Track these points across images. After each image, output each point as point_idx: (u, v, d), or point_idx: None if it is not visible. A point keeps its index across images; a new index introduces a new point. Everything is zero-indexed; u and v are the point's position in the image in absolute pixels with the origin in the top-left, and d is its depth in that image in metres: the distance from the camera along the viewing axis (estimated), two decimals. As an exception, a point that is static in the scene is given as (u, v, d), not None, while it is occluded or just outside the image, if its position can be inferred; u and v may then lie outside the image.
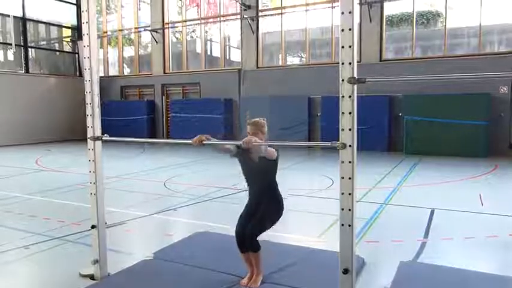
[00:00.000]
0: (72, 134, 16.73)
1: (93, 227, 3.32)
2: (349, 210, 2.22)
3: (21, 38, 16.62)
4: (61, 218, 5.08)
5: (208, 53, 17.16)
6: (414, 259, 3.69)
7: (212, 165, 9.45)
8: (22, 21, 16.62)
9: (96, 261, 3.30)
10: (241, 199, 6.10)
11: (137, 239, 4.63)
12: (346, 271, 2.23)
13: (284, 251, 3.82)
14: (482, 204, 5.79)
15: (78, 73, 18.61)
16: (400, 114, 12.21)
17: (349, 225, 2.23)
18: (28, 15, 16.86)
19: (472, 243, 4.17)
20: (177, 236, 4.41)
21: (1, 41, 16.44)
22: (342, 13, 2.16)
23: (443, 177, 7.95)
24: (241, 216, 3.23)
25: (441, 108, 11.34)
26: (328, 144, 2.23)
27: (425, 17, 13.20)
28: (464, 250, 4.02)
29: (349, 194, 2.22)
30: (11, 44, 15.91)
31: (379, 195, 6.35)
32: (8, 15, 15.84)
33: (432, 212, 5.28)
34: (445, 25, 12.42)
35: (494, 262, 3.83)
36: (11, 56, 16.51)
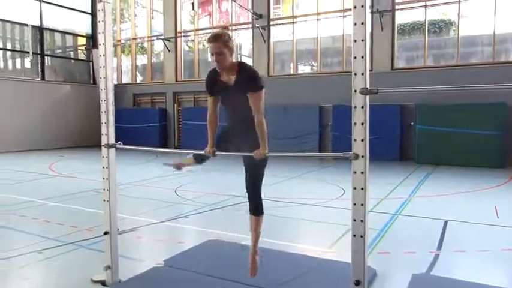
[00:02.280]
0: (85, 140, 16.95)
1: (105, 233, 3.35)
2: (361, 221, 2.21)
3: (38, 46, 16.98)
4: (74, 224, 5.14)
5: (219, 61, 17.27)
6: (427, 271, 3.64)
7: (223, 172, 9.47)
8: (39, 30, 16.98)
9: (108, 268, 3.33)
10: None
11: (148, 246, 4.65)
12: (357, 282, 2.21)
13: (294, 261, 3.80)
14: (497, 217, 5.69)
15: (92, 81, 18.90)
16: (412, 123, 12.12)
17: (361, 236, 2.22)
18: (45, 24, 17.23)
19: (487, 256, 4.10)
20: (188, 244, 4.42)
21: (19, 49, 16.81)
22: (355, 24, 2.17)
23: (457, 188, 7.85)
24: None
25: (454, 117, 11.22)
26: (341, 154, 2.24)
27: (437, 26, 13.13)
28: (479, 263, 3.95)
29: (361, 204, 2.21)
30: (28, 52, 16.26)
31: (391, 205, 6.29)
32: (27, 25, 16.22)
33: (445, 224, 5.21)
34: (458, 33, 12.34)
35: (509, 276, 3.76)
36: (28, 64, 16.85)
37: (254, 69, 2.93)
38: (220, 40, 2.75)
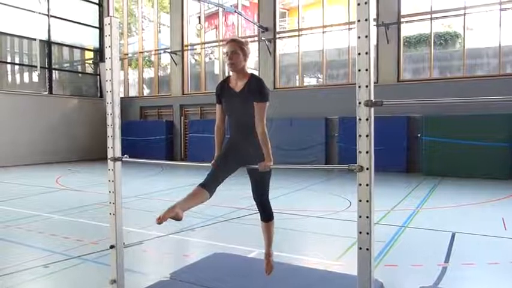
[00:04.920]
0: (92, 153, 17.06)
1: (111, 247, 3.34)
2: (367, 233, 2.19)
3: (46, 60, 17.22)
4: (80, 237, 5.15)
5: (226, 74, 17.41)
6: (435, 284, 3.59)
7: (228, 185, 9.47)
8: (47, 44, 17.24)
9: (113, 281, 3.31)
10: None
11: (154, 259, 4.64)
12: (364, 296, 2.18)
13: (301, 273, 3.77)
14: (505, 228, 5.62)
15: (99, 94, 19.09)
16: (419, 135, 12.08)
17: (367, 249, 2.20)
18: (53, 38, 17.50)
19: (495, 268, 4.04)
20: (194, 257, 4.40)
21: (27, 63, 17.06)
22: (359, 37, 2.18)
23: (464, 200, 7.77)
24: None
25: (461, 129, 11.17)
26: (346, 167, 2.23)
27: (443, 38, 13.16)
28: (488, 276, 3.90)
29: (367, 217, 2.19)
30: (36, 66, 16.50)
31: (398, 217, 6.24)
32: (35, 39, 16.48)
33: (453, 236, 5.15)
34: (464, 46, 12.35)
35: (519, 289, 3.70)
36: (35, 78, 17.08)
37: (264, 83, 3.00)
38: (237, 42, 2.89)
